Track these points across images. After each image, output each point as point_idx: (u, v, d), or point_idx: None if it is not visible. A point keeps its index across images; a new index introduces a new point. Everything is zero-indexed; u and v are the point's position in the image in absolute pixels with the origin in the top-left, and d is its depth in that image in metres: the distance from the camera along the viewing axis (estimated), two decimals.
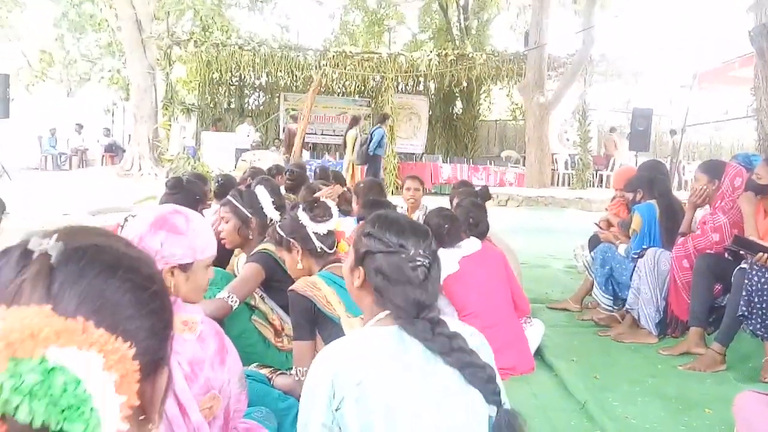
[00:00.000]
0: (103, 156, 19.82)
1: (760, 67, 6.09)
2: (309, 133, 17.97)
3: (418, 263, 1.62)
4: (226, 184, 4.85)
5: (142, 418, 0.73)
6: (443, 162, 18.15)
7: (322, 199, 2.95)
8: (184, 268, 1.87)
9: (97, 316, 0.66)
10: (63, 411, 0.58)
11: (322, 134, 19.36)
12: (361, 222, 1.86)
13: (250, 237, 3.43)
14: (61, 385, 0.58)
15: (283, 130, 18.53)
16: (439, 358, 1.54)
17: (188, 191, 4.22)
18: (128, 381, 0.64)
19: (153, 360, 0.73)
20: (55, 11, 21.48)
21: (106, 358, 0.62)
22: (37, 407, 0.57)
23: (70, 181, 14.29)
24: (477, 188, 5.35)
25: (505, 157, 19.33)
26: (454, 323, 1.66)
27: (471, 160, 19.08)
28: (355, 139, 12.54)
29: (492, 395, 1.52)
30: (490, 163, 18.71)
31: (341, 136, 19.28)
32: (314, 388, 1.54)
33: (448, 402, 1.53)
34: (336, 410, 1.50)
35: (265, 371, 2.78)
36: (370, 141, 12.04)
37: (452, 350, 1.52)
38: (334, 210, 2.87)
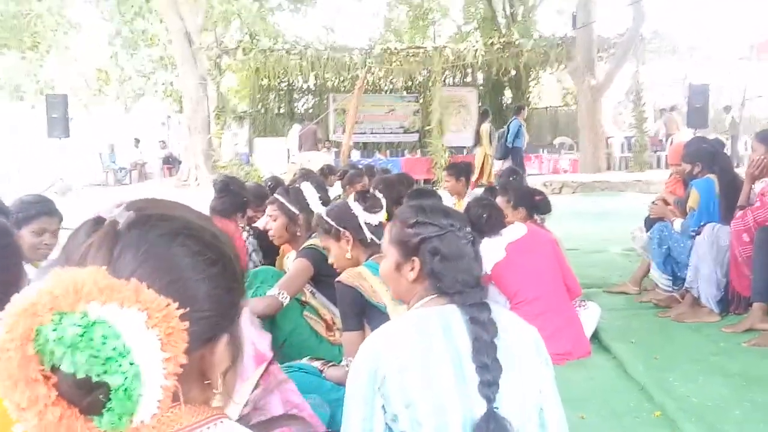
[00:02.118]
0: (161, 168, 20.36)
1: None
2: (358, 132, 18.09)
3: (468, 239, 1.67)
4: (275, 186, 4.93)
5: (207, 382, 0.77)
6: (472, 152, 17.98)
7: (372, 191, 2.98)
8: None
9: (152, 278, 0.69)
10: (103, 363, 0.62)
11: (372, 133, 19.42)
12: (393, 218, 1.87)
13: (298, 233, 3.49)
14: (100, 338, 0.62)
15: (333, 132, 18.69)
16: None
17: (235, 194, 4.31)
18: (174, 339, 0.66)
19: (212, 324, 0.75)
20: (108, 29, 22.17)
21: (150, 317, 0.65)
22: (78, 359, 0.61)
23: (130, 195, 14.73)
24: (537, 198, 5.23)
25: (558, 144, 19.03)
26: (507, 315, 1.68)
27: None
28: (489, 133, 12.47)
29: (485, 386, 1.49)
30: (543, 151, 18.44)
31: (390, 133, 19.44)
32: (359, 367, 1.57)
33: (511, 378, 1.53)
34: (379, 388, 1.52)
35: (316, 363, 2.82)
36: (508, 133, 11.93)
37: (482, 323, 1.53)
38: (384, 202, 2.90)
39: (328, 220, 2.86)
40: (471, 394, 1.50)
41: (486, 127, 12.59)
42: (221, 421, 0.75)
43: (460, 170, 5.93)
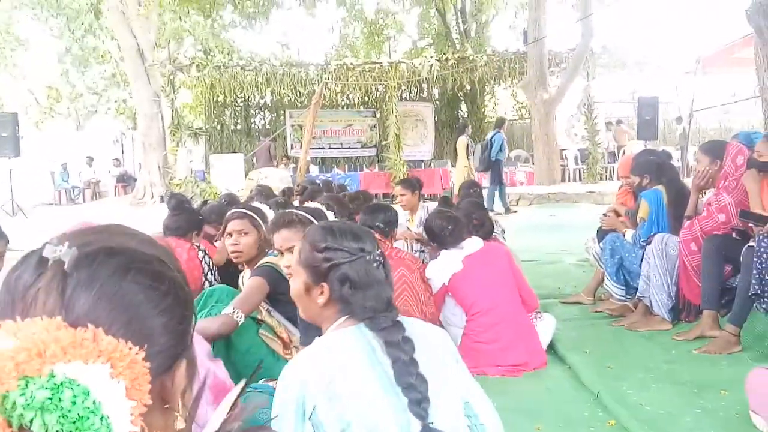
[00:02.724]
0: (115, 186, 20.03)
1: (759, 46, 6.03)
2: (316, 148, 18.08)
3: (379, 262, 1.66)
4: (230, 203, 4.90)
5: (166, 407, 0.76)
6: (452, 166, 18.14)
7: (316, 205, 2.97)
8: None
9: (109, 320, 0.69)
10: (74, 422, 0.61)
11: (329, 148, 19.44)
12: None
13: (267, 250, 3.45)
14: (70, 398, 0.61)
15: (291, 147, 18.64)
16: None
17: (190, 212, 4.26)
18: (138, 384, 0.66)
19: (170, 355, 0.75)
20: (58, 47, 21.79)
21: (114, 367, 0.65)
22: (49, 420, 0.61)
23: (84, 214, 14.42)
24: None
25: (514, 156, 19.28)
26: (418, 323, 1.69)
27: None
28: (467, 146, 12.51)
29: (414, 405, 1.48)
30: None
31: (348, 148, 19.46)
32: (284, 400, 1.55)
33: (434, 388, 1.54)
34: (309, 418, 1.51)
35: (273, 383, 2.79)
36: (491, 147, 12.00)
37: (396, 344, 1.53)
38: (330, 217, 2.89)
39: None
40: (405, 410, 1.50)
41: (463, 140, 12.69)
42: None
43: (415, 184, 5.96)
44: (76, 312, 0.69)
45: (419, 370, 1.52)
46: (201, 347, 1.86)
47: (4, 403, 0.61)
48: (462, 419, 1.62)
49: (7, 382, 0.61)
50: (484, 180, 12.35)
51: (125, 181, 20.04)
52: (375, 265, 1.65)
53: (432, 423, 1.49)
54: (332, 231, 1.72)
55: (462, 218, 3.94)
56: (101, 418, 0.63)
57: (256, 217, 3.43)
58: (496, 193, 12.15)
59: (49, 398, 0.61)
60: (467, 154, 12.66)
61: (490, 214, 5.24)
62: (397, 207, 5.77)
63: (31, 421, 0.61)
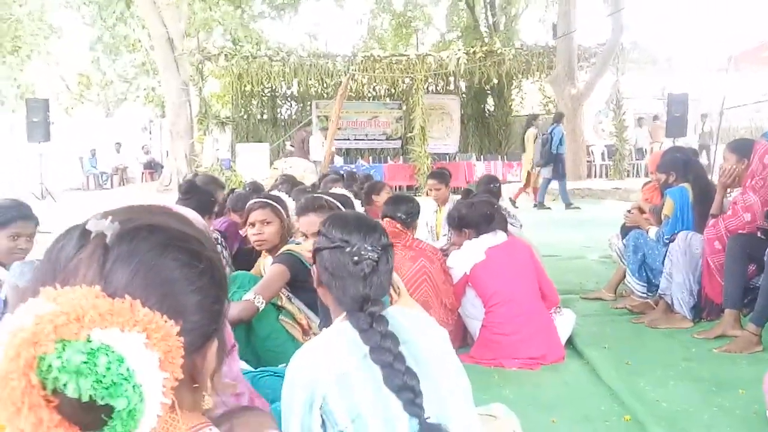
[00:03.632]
0: (142, 173, 20.27)
1: None
2: (341, 139, 18.12)
3: (363, 256, 1.65)
4: (254, 191, 4.94)
5: (195, 386, 0.79)
6: (477, 160, 18.10)
7: (332, 192, 3.00)
8: None
9: (145, 293, 0.71)
10: (107, 388, 0.63)
11: (354, 139, 19.48)
12: None
13: (289, 238, 3.49)
14: (104, 364, 0.63)
15: (290, 138, 18.72)
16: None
17: (202, 194, 4.27)
18: (172, 357, 0.68)
19: (202, 334, 0.77)
20: (90, 35, 22.07)
21: (150, 338, 0.67)
22: (83, 384, 0.62)
23: (111, 199, 14.64)
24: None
25: None
26: (403, 310, 1.70)
27: (505, 157, 18.96)
28: (535, 138, 12.54)
29: (409, 405, 1.49)
30: None
31: (374, 140, 19.48)
32: (292, 388, 1.57)
33: (430, 375, 1.57)
34: (320, 407, 1.53)
35: None
36: (551, 140, 12.02)
37: (379, 347, 1.53)
38: (357, 204, 2.92)
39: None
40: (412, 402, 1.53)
41: (532, 132, 12.65)
42: (210, 429, 0.78)
43: (447, 177, 5.99)
44: (114, 284, 0.71)
45: (407, 364, 1.52)
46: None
47: (41, 365, 0.62)
48: (469, 401, 1.63)
49: (45, 344, 0.62)
50: (546, 173, 12.26)
51: (152, 168, 20.28)
52: (355, 259, 1.64)
53: (429, 417, 1.50)
54: (330, 218, 1.80)
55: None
56: (134, 387, 0.64)
57: (277, 206, 3.47)
58: (561, 186, 12.16)
59: (84, 362, 0.62)
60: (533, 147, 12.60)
61: (510, 209, 5.25)
62: (421, 199, 5.82)
63: (65, 385, 0.62)
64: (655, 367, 3.51)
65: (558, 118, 12.66)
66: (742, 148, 4.30)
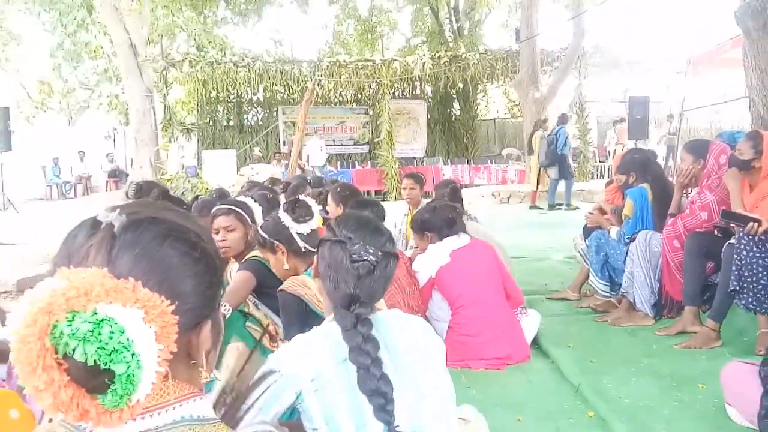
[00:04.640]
0: (107, 182, 19.98)
1: (747, 47, 6.08)
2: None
3: (362, 257, 1.66)
4: (220, 198, 4.92)
5: (193, 362, 0.90)
6: (444, 164, 18.22)
7: (302, 198, 3.01)
8: None
9: (147, 276, 0.81)
10: (109, 354, 0.74)
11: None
12: None
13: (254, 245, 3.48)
14: (108, 333, 0.74)
15: (284, 144, 18.67)
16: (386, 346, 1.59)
17: (174, 201, 4.28)
18: (167, 332, 0.78)
19: (197, 315, 0.88)
20: (50, 41, 21.70)
21: (147, 313, 0.77)
22: (89, 350, 0.73)
23: (75, 209, 14.41)
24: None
25: (506, 154, 19.36)
26: (401, 315, 1.73)
27: (472, 161, 19.13)
28: (541, 140, 12.57)
29: (379, 410, 1.50)
30: (491, 162, 18.76)
31: (341, 145, 19.50)
32: (268, 385, 1.58)
33: (407, 385, 1.59)
34: (299, 403, 1.56)
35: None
36: (556, 141, 12.07)
37: (358, 349, 1.55)
38: (315, 209, 2.93)
39: (262, 233, 2.89)
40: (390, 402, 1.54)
41: (539, 134, 12.74)
42: (200, 398, 0.89)
43: (422, 179, 6.02)
44: (119, 267, 0.81)
45: (383, 370, 1.53)
46: None
47: (54, 331, 0.73)
48: (450, 412, 1.64)
49: (58, 313, 0.73)
50: (552, 173, 12.37)
51: (117, 176, 20.00)
52: (353, 257, 1.66)
53: (398, 426, 1.51)
54: (346, 216, 1.87)
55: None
56: (132, 354, 0.75)
57: (241, 212, 3.45)
58: (567, 186, 12.30)
59: (90, 331, 0.73)
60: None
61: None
62: (390, 203, 5.83)
63: (74, 350, 0.73)
64: (618, 364, 3.59)
65: (563, 119, 12.80)
66: (699, 149, 4.41)
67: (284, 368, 1.57)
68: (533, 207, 12.46)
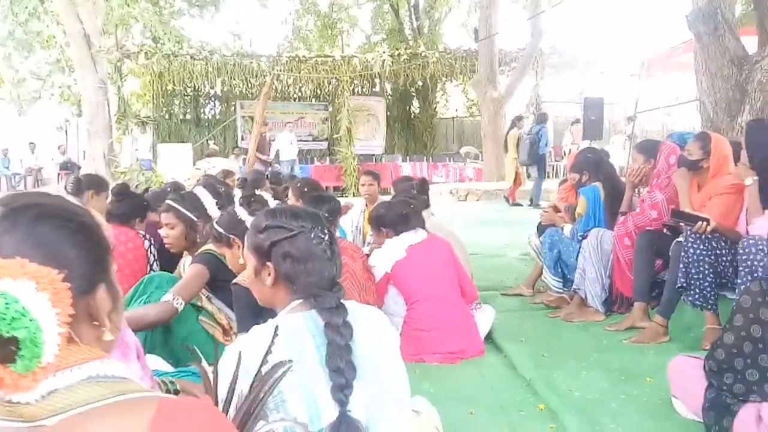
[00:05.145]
0: (58, 174, 19.50)
1: (698, 51, 6.24)
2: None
3: (322, 239, 1.69)
4: (173, 191, 4.85)
5: (95, 323, 0.99)
6: (403, 161, 18.28)
7: (258, 193, 2.99)
8: None
9: (31, 254, 0.89)
10: (9, 323, 0.82)
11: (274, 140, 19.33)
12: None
13: (199, 240, 3.44)
14: (3, 305, 0.82)
15: (242, 138, 18.50)
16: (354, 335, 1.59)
17: (135, 197, 4.22)
18: (60, 297, 0.87)
19: (88, 279, 0.97)
20: (1, 30, 21.08)
21: (38, 283, 0.85)
22: None
23: None
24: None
25: (464, 153, 19.51)
26: (363, 309, 1.73)
27: (430, 158, 19.24)
28: (518, 139, 12.52)
29: (337, 390, 1.52)
30: (450, 160, 18.89)
31: (300, 141, 19.36)
32: (221, 376, 1.57)
33: (368, 376, 1.59)
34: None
35: (211, 369, 2.80)
36: (539, 141, 12.03)
37: (335, 327, 1.57)
38: (272, 203, 2.91)
39: (217, 227, 2.87)
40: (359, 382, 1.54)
41: (515, 133, 12.76)
42: (105, 360, 0.96)
43: (378, 176, 6.04)
44: (5, 250, 0.90)
45: (351, 357, 1.55)
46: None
47: None
48: (386, 417, 1.63)
49: None
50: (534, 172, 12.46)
51: (69, 168, 19.52)
52: (316, 241, 1.68)
53: (350, 411, 1.52)
54: (272, 212, 1.78)
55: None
56: (30, 320, 0.83)
57: (180, 208, 3.41)
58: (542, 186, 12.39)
59: None
60: (516, 147, 12.73)
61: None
62: (348, 199, 5.82)
63: None
64: (569, 358, 3.65)
65: (542, 118, 12.91)
66: (649, 149, 4.52)
67: (237, 360, 1.56)
68: (515, 204, 12.54)
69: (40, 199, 1.00)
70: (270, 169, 13.49)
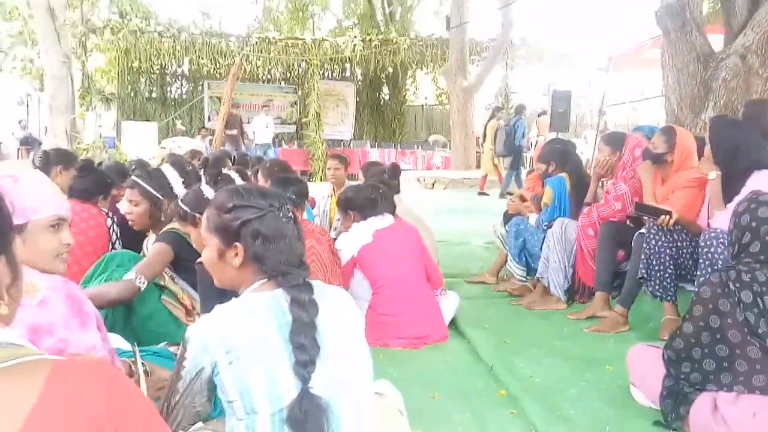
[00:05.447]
0: (18, 149, 19.02)
1: (666, 46, 6.31)
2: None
3: (290, 217, 1.69)
4: (138, 169, 4.77)
5: None
6: (371, 147, 18.26)
7: (225, 172, 2.96)
8: (18, 229, 1.81)
9: None
10: None
11: (249, 122, 19.13)
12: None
13: (163, 219, 3.39)
14: None
15: (209, 119, 18.27)
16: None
17: (99, 174, 4.14)
18: None
19: None
20: None
21: None
22: None
23: None
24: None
25: (432, 141, 19.56)
26: (329, 289, 1.73)
27: (399, 145, 19.24)
28: (496, 130, 12.43)
29: (300, 366, 1.52)
30: (418, 148, 18.92)
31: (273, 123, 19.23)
32: (183, 357, 1.58)
33: (331, 355, 1.59)
34: (215, 375, 1.54)
35: (173, 349, 2.77)
36: (515, 132, 11.94)
37: (302, 303, 1.57)
38: (239, 183, 2.88)
39: (183, 206, 2.82)
40: (323, 362, 1.55)
41: (494, 123, 12.71)
42: (1, 327, 0.96)
43: (346, 160, 6.02)
44: None
45: (315, 334, 1.55)
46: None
47: None
48: (350, 395, 1.63)
49: None
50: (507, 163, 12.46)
51: (29, 144, 19.04)
52: (285, 220, 1.68)
53: (312, 387, 1.52)
54: (238, 191, 1.74)
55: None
56: None
57: (146, 186, 3.36)
58: (514, 176, 12.38)
59: None
60: (494, 138, 12.72)
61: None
62: (315, 184, 5.80)
63: None
64: (531, 345, 3.69)
65: (519, 110, 12.93)
66: (615, 141, 4.57)
67: (200, 339, 1.55)
68: (481, 193, 12.59)
69: None
70: (241, 148, 13.34)
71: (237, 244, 1.67)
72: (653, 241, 3.73)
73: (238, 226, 1.67)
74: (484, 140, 13.40)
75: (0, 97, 20.47)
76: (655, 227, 3.73)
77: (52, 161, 4.55)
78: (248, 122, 15.02)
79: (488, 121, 13.36)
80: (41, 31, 15.38)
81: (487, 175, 12.92)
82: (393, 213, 4.01)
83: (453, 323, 4.06)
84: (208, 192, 2.81)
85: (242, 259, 1.67)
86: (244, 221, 1.66)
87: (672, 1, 6.05)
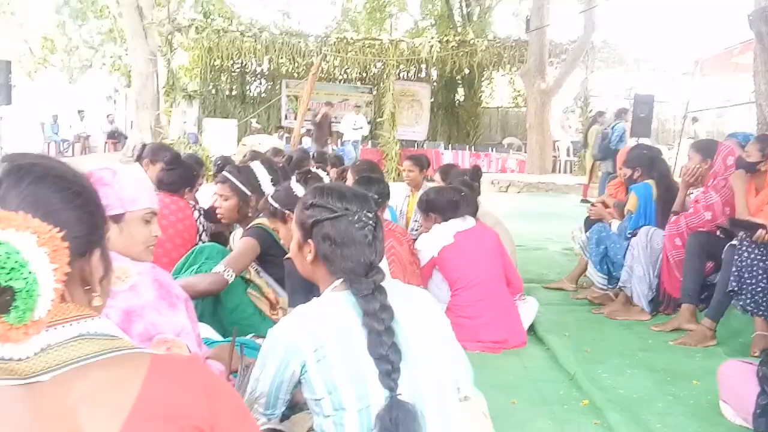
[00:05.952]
0: (105, 143, 19.87)
1: (758, 51, 6.06)
2: (310, 120, 18.02)
3: (365, 223, 1.68)
4: (224, 166, 4.89)
5: (87, 288, 1.00)
6: (445, 149, 18.19)
7: (313, 170, 3.00)
8: (115, 219, 1.91)
9: (33, 210, 0.90)
10: (8, 272, 0.82)
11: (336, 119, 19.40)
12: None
13: (250, 214, 3.48)
14: (4, 255, 0.82)
15: (285, 117, 18.61)
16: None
17: (186, 167, 4.26)
18: (59, 254, 0.87)
19: (85, 242, 0.98)
20: None
21: (39, 237, 0.86)
22: None
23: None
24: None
25: (507, 144, 19.35)
26: (406, 289, 1.73)
27: (473, 147, 19.10)
28: (596, 135, 12.44)
29: (385, 376, 1.52)
30: (492, 150, 18.74)
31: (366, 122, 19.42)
32: (268, 354, 1.61)
33: (416, 357, 1.59)
34: (303, 374, 1.57)
35: (260, 341, 2.83)
36: (612, 135, 11.93)
37: (374, 314, 1.56)
38: (326, 181, 2.92)
39: (273, 202, 2.88)
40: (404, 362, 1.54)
41: (596, 128, 12.57)
42: (96, 318, 0.97)
43: (423, 162, 5.96)
44: (8, 204, 0.92)
45: (394, 339, 1.55)
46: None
47: None
48: (439, 395, 1.62)
49: None
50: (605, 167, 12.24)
51: (116, 138, 19.88)
52: (359, 225, 1.67)
53: (400, 394, 1.52)
54: (321, 190, 1.77)
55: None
56: (29, 272, 0.83)
57: (236, 181, 3.45)
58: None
59: None
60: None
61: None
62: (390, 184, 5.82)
63: None
64: (613, 355, 3.61)
65: (620, 114, 12.66)
66: (706, 149, 4.41)
67: (287, 339, 1.58)
68: (584, 201, 12.32)
69: (45, 161, 1.02)
70: (327, 146, 13.50)
71: (310, 240, 1.71)
72: (746, 254, 3.59)
73: (311, 225, 1.71)
74: (584, 146, 13.00)
75: (90, 92, 21.35)
76: (748, 239, 3.58)
77: (147, 153, 4.71)
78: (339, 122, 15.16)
79: (589, 126, 12.98)
80: (129, 29, 16.04)
81: (590, 183, 12.55)
82: (474, 216, 3.99)
83: (531, 329, 4.01)
84: (298, 189, 2.86)
85: (313, 257, 1.71)
86: (317, 221, 1.70)
87: (766, 4, 5.80)
